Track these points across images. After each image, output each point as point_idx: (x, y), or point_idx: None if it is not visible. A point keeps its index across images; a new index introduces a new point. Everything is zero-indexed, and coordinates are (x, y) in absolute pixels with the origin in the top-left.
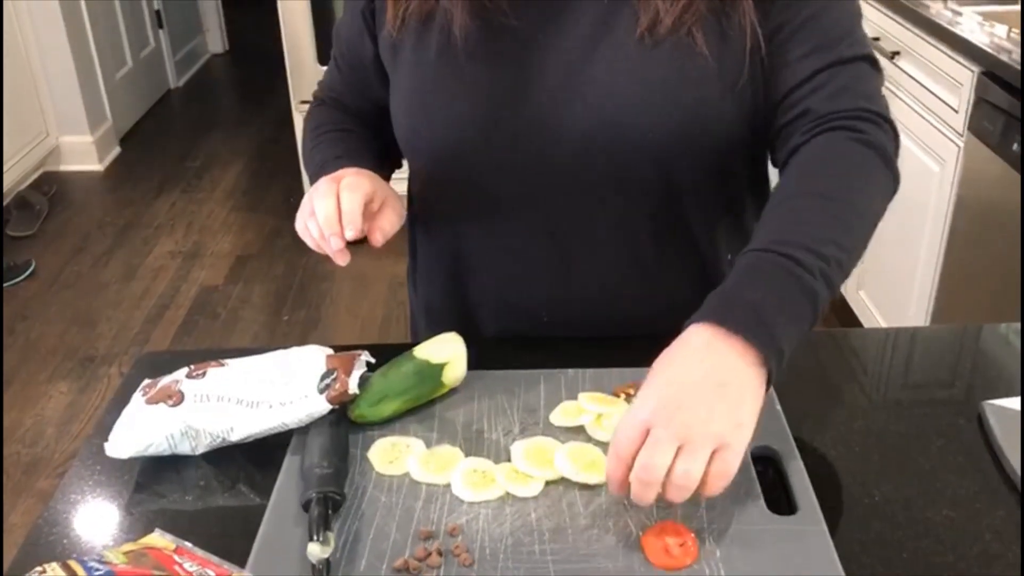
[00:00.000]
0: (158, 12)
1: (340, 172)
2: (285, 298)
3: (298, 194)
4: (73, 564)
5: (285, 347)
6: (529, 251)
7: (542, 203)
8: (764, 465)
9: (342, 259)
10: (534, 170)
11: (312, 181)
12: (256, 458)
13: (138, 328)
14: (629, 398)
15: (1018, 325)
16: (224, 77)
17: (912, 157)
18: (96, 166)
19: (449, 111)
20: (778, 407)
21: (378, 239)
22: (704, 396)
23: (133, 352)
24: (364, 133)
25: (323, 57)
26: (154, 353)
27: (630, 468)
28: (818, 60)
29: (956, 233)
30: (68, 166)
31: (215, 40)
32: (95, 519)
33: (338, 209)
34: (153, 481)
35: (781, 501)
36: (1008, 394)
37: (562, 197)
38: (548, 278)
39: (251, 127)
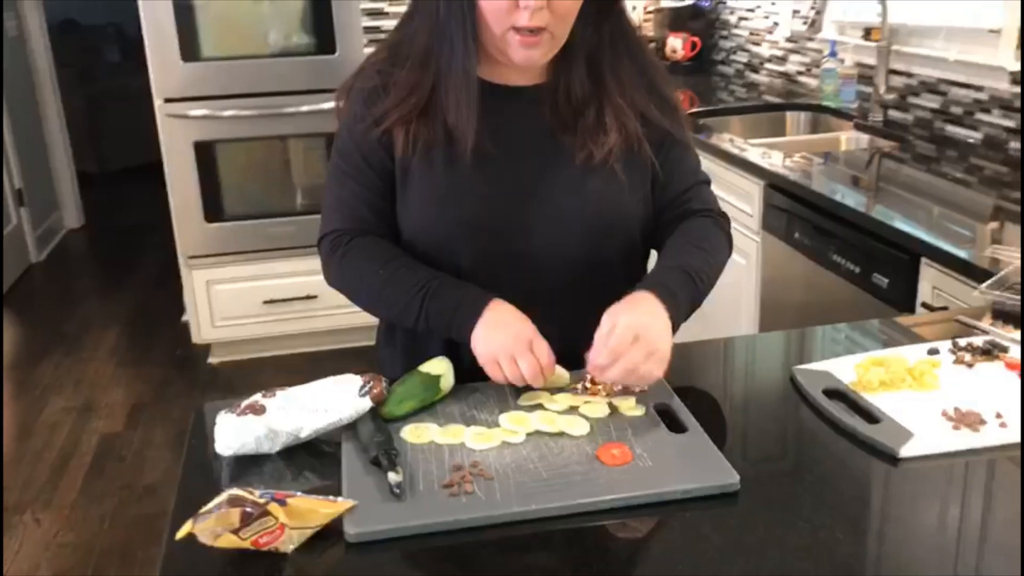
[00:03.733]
0: (19, 191)
1: (498, 309)
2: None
3: (183, 346)
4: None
5: None
6: None
7: (511, 274)
8: (662, 416)
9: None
10: (508, 252)
11: (443, 308)
12: (313, 454)
13: (45, 477)
14: (586, 389)
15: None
16: (83, 250)
17: None
18: None
19: (456, 212)
20: (667, 384)
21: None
22: (658, 328)
23: (43, 499)
24: (408, 254)
25: (209, 216)
26: (210, 404)
27: (616, 362)
28: (691, 181)
29: (765, 304)
30: None
31: (71, 216)
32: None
33: (538, 360)
34: (243, 474)
35: (676, 430)
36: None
37: (527, 273)
38: None
39: (122, 292)
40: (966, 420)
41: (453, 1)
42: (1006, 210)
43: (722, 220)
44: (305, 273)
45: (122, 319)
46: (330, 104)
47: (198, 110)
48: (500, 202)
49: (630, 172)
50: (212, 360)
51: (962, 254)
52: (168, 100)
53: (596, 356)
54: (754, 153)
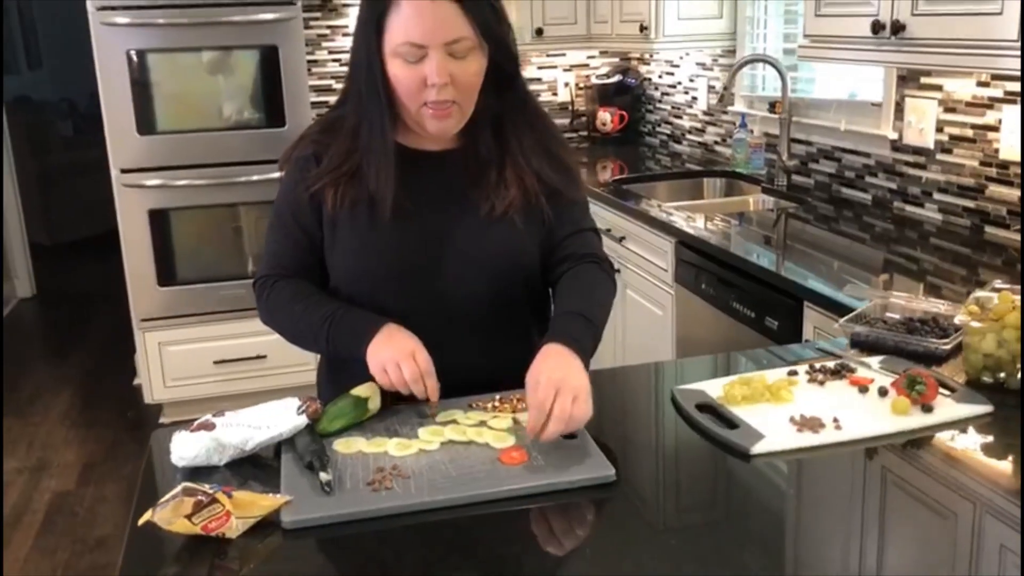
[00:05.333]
0: None
1: (391, 327)
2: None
3: (135, 408)
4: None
5: None
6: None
7: (429, 310)
8: None
9: (436, 396)
10: (424, 291)
11: (343, 331)
12: (257, 466)
13: None
14: (495, 407)
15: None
16: (35, 319)
17: (644, 308)
18: None
19: (377, 265)
20: None
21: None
22: (575, 374)
23: None
24: (321, 291)
25: (162, 281)
26: (161, 429)
27: (546, 416)
28: (573, 228)
29: (681, 348)
30: None
31: (23, 285)
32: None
33: (419, 367)
34: (195, 482)
35: (569, 437)
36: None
37: (443, 310)
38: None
39: (73, 358)
40: (809, 424)
41: (371, 88)
42: (894, 262)
43: (604, 264)
44: (255, 334)
45: (73, 383)
46: (278, 174)
47: (153, 180)
48: (416, 250)
49: (528, 222)
50: (163, 420)
51: (834, 297)
52: (124, 171)
53: (531, 420)
54: (679, 217)
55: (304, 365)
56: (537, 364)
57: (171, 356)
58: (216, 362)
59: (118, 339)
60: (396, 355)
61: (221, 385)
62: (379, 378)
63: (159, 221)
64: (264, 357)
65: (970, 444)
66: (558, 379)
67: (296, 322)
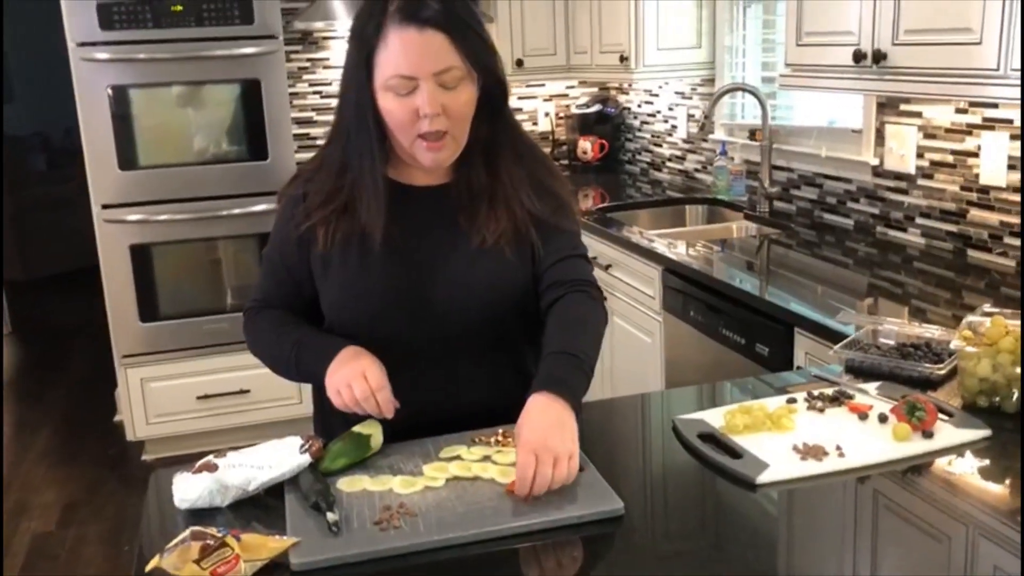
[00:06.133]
0: None
1: (350, 350)
2: (122, 532)
3: (117, 445)
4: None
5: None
6: (415, 378)
7: (424, 344)
8: None
9: (390, 412)
10: (415, 321)
11: (309, 355)
12: (260, 508)
13: None
14: (499, 442)
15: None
16: (11, 356)
17: (632, 335)
18: None
19: (369, 296)
20: None
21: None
22: (556, 432)
23: None
24: (301, 319)
25: (144, 316)
26: (161, 469)
27: (531, 483)
28: (560, 255)
29: (670, 376)
30: None
31: None
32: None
33: (369, 385)
34: (198, 525)
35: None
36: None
37: (436, 339)
38: (425, 393)
39: (51, 396)
40: (812, 452)
41: (362, 124)
42: (879, 286)
43: (594, 291)
44: (238, 368)
45: (53, 421)
46: (261, 207)
47: (134, 215)
48: (406, 280)
49: (518, 251)
50: (146, 457)
51: (825, 322)
52: (105, 206)
53: (517, 488)
54: (660, 244)
55: (288, 399)
56: (521, 423)
57: (153, 392)
58: (199, 397)
59: (97, 375)
60: (348, 376)
61: (205, 420)
62: (334, 400)
63: (141, 256)
64: (248, 391)
65: (972, 469)
66: (535, 444)
67: (271, 349)
